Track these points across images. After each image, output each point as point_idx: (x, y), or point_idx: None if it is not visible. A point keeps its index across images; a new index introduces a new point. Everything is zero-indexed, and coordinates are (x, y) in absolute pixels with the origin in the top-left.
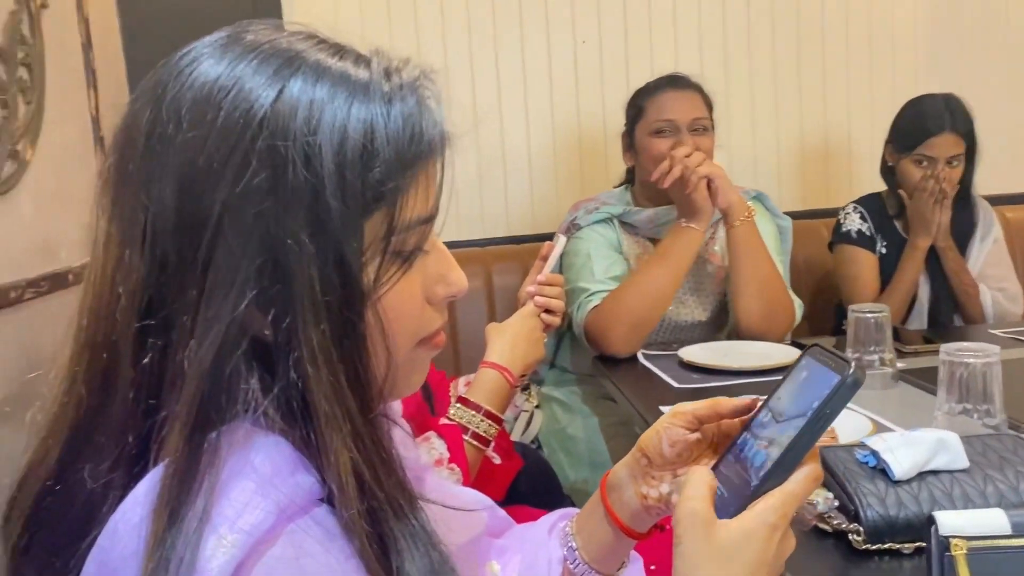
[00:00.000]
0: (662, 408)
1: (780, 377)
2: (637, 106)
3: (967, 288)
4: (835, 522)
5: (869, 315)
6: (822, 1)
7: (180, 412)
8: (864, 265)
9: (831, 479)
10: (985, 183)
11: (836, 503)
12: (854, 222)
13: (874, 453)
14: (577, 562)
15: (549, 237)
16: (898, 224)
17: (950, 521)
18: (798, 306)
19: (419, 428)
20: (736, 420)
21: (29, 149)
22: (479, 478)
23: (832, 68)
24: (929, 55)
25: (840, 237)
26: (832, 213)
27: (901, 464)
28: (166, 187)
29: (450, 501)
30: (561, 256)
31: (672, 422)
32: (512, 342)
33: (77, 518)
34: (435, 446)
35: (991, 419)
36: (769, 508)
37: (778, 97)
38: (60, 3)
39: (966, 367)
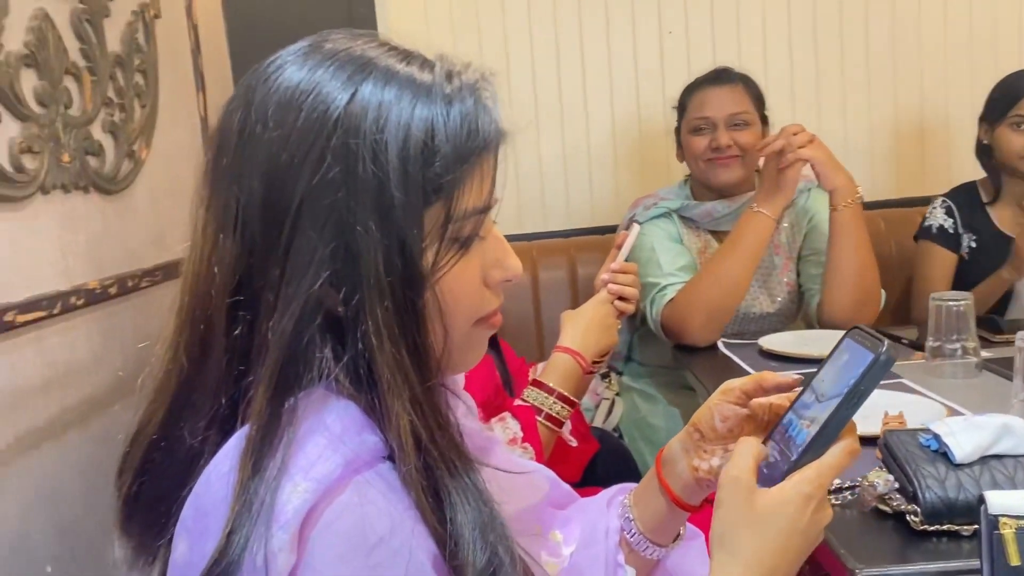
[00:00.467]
0: None
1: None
2: (681, 104)
3: None
4: (895, 503)
5: (951, 303)
6: None
7: (264, 376)
8: (937, 264)
9: (892, 462)
10: None
11: (896, 485)
12: (937, 217)
13: (936, 437)
14: (633, 532)
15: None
16: (991, 212)
17: (1000, 500)
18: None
19: (497, 410)
20: (785, 399)
21: (144, 149)
22: (554, 458)
23: (929, 45)
24: None
25: (921, 231)
26: (928, 201)
27: (963, 447)
28: (254, 180)
29: (512, 469)
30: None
31: (722, 398)
32: (585, 328)
33: (178, 470)
34: (510, 426)
35: None
36: (804, 480)
37: (871, 77)
38: (172, 13)
39: None
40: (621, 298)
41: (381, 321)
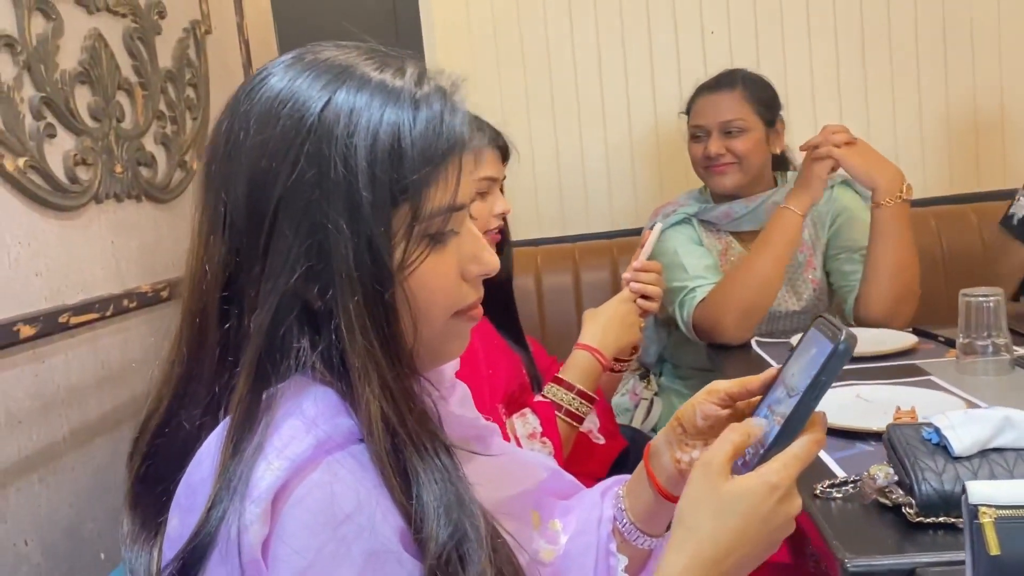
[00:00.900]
0: None
1: (888, 363)
2: (687, 110)
3: None
4: (893, 496)
5: (981, 298)
6: None
7: (244, 365)
8: (1008, 258)
9: (894, 455)
10: None
11: (896, 478)
12: (1021, 207)
13: (937, 430)
14: (625, 522)
15: None
16: None
17: (980, 490)
18: None
19: (521, 407)
20: None
21: (195, 159)
22: (578, 454)
23: (982, 32)
24: None
25: (1002, 220)
26: (983, 197)
27: (961, 440)
28: (239, 183)
29: (505, 457)
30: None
31: (706, 398)
32: (605, 325)
33: (178, 454)
34: (529, 421)
35: None
36: (771, 470)
37: (920, 69)
38: (223, 29)
39: None
40: (645, 297)
41: (352, 313)
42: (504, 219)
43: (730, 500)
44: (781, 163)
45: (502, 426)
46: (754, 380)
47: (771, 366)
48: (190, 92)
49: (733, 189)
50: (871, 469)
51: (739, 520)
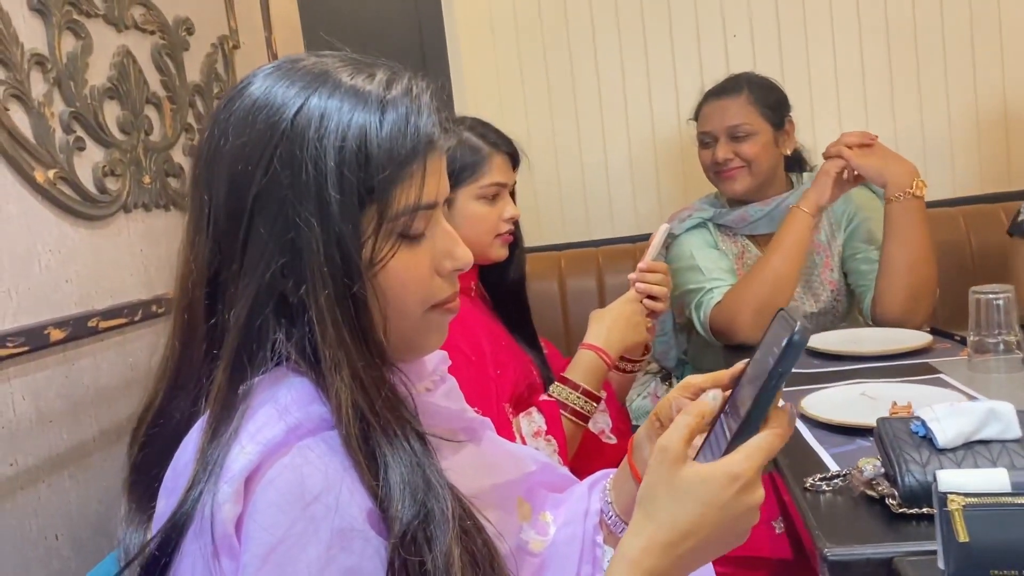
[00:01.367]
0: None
1: (900, 362)
2: (695, 117)
3: None
4: (880, 488)
5: (991, 296)
6: None
7: (223, 356)
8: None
9: (881, 448)
10: None
11: (882, 470)
12: None
13: (924, 423)
14: (610, 514)
15: None
16: None
17: (949, 479)
18: None
19: (528, 406)
20: None
21: None
22: (587, 453)
23: (1012, 27)
24: None
25: (1014, 227)
26: (1013, 196)
27: (946, 433)
28: (220, 185)
29: (493, 449)
30: (667, 262)
31: (681, 393)
32: (610, 325)
33: (170, 441)
34: (535, 419)
35: None
36: (733, 460)
37: (948, 66)
38: (252, 43)
39: None
40: (651, 297)
41: (324, 307)
42: (516, 223)
43: (689, 487)
44: (797, 164)
45: (508, 425)
46: (724, 374)
47: None
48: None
49: (744, 193)
50: (859, 462)
51: (697, 506)
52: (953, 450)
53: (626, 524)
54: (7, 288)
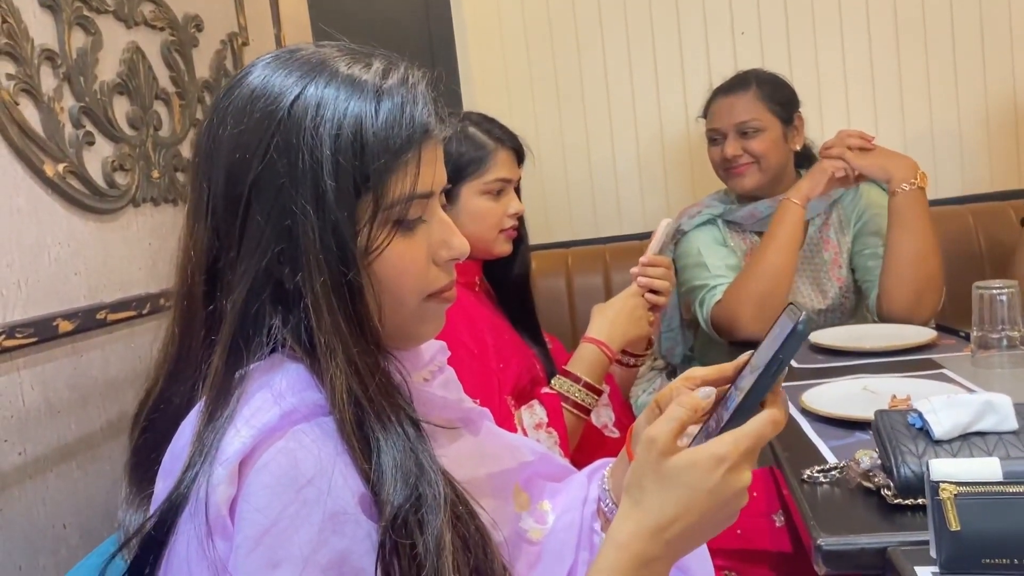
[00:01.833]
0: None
1: (903, 358)
2: (704, 114)
3: None
4: (876, 480)
5: (995, 291)
6: None
7: (220, 341)
8: None
9: (878, 439)
10: None
11: (879, 462)
12: None
13: (920, 415)
14: (608, 502)
15: None
16: None
17: (941, 468)
18: None
19: (531, 398)
20: None
21: None
22: (589, 446)
23: (1022, 24)
24: None
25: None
26: (1023, 194)
27: (942, 424)
28: (218, 174)
29: (490, 439)
30: (674, 260)
31: (683, 383)
32: (612, 319)
33: (169, 426)
34: (536, 412)
35: None
36: (721, 442)
37: (957, 63)
38: (261, 40)
39: None
40: (653, 291)
41: (319, 293)
42: (520, 219)
43: (675, 473)
44: (806, 160)
45: (509, 417)
46: (729, 366)
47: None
48: None
49: (753, 189)
50: (856, 454)
51: (684, 490)
52: (949, 442)
53: None
54: (16, 280)
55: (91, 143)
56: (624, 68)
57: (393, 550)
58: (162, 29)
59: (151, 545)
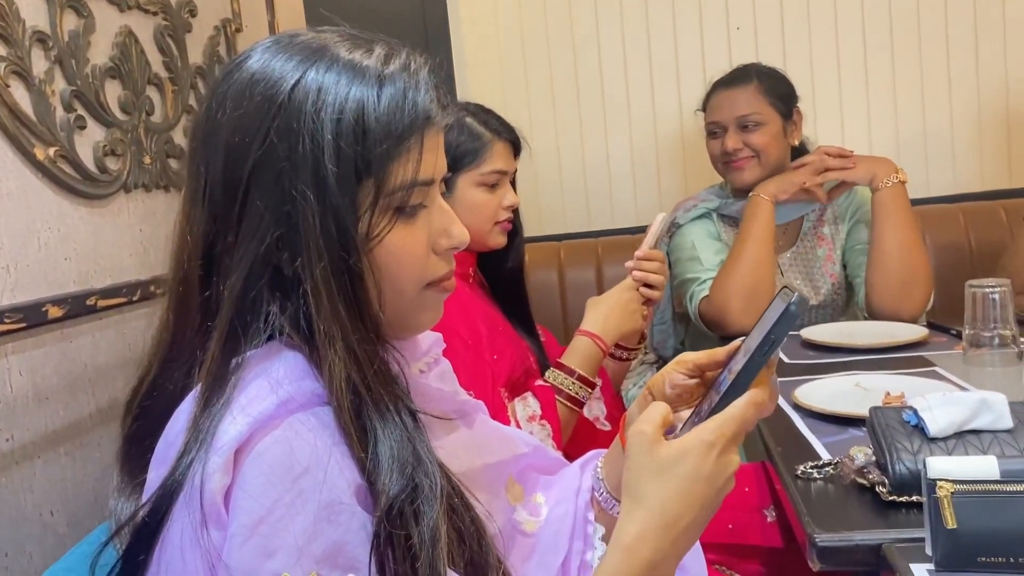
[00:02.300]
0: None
1: (895, 355)
2: (703, 107)
3: None
4: (870, 476)
5: (988, 290)
6: None
7: (218, 327)
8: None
9: (873, 436)
10: None
11: (873, 459)
12: None
13: (915, 412)
14: (602, 491)
15: None
16: None
17: (939, 465)
18: None
19: (524, 390)
20: None
21: None
22: (581, 439)
23: (1015, 24)
24: None
25: None
26: (1014, 194)
27: (937, 422)
28: (217, 158)
29: (485, 431)
30: (668, 253)
31: (675, 368)
32: (606, 313)
33: (163, 413)
34: (530, 404)
35: None
36: (705, 429)
37: (951, 62)
38: (255, 27)
39: None
40: (648, 285)
41: (319, 279)
42: (515, 211)
43: (669, 463)
44: (801, 156)
45: (503, 409)
46: (721, 351)
47: (779, 357)
48: None
49: (753, 183)
50: (851, 451)
51: (682, 482)
52: (944, 439)
53: (617, 501)
54: (5, 264)
55: (82, 127)
56: (619, 62)
57: (388, 540)
58: (155, 13)
59: (144, 533)
